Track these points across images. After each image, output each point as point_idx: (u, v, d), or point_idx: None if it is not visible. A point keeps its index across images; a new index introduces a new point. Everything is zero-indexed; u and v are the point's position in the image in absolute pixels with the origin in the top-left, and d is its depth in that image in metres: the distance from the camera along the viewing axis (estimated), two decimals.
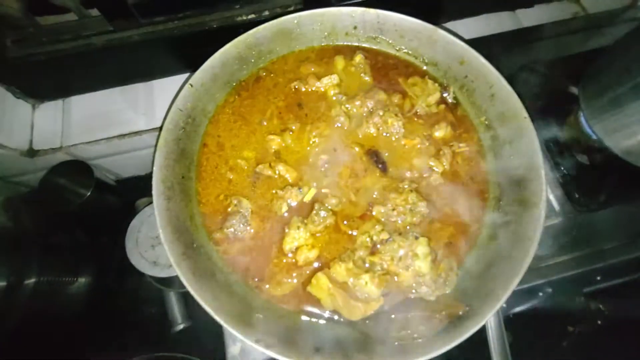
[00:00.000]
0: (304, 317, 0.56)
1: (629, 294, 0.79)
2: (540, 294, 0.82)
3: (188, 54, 0.90)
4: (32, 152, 0.96)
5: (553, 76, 0.85)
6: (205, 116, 0.66)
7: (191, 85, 0.62)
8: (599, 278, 0.76)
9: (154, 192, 0.55)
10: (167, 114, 0.60)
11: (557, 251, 0.76)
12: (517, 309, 0.85)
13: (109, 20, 0.86)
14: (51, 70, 0.92)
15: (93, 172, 0.96)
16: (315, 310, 0.57)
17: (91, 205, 0.99)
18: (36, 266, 0.94)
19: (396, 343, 0.50)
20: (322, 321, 0.56)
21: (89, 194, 0.95)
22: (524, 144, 0.58)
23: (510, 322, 0.71)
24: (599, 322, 0.80)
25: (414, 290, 0.57)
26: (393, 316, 0.55)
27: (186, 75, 0.97)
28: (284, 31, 0.68)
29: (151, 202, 0.55)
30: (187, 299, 1.04)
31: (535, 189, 0.55)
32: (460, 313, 0.50)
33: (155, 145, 0.57)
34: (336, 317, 0.56)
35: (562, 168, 0.78)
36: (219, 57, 0.64)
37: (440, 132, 0.66)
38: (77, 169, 0.95)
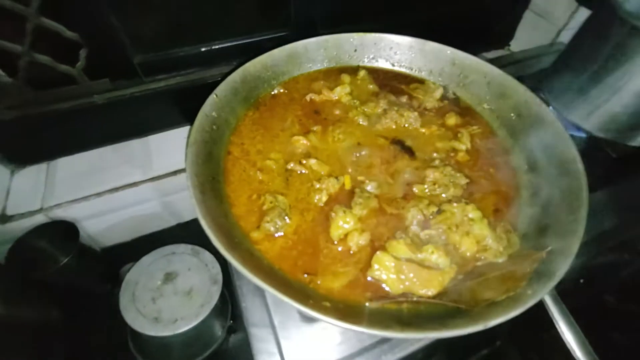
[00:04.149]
0: (369, 305, 0.48)
1: None
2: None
3: (189, 107, 0.94)
4: (4, 219, 0.84)
5: None
6: (227, 127, 0.66)
7: (216, 95, 0.63)
8: None
9: (189, 183, 0.50)
10: (195, 119, 0.59)
11: None
12: None
13: (112, 81, 0.88)
14: (42, 131, 0.88)
15: (78, 233, 0.84)
16: (383, 295, 0.49)
17: (71, 273, 0.84)
18: None
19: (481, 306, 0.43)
20: (392, 305, 0.48)
21: (67, 259, 0.81)
22: (530, 110, 0.65)
23: None
24: None
25: (481, 257, 0.52)
26: (470, 282, 0.48)
27: (184, 128, 0.98)
28: (295, 55, 0.75)
29: None
30: None
31: (558, 141, 0.59)
32: (544, 256, 0.47)
33: (187, 144, 0.55)
34: (409, 298, 0.48)
35: None
36: (240, 72, 0.68)
37: (451, 120, 0.71)
38: (60, 231, 0.83)
